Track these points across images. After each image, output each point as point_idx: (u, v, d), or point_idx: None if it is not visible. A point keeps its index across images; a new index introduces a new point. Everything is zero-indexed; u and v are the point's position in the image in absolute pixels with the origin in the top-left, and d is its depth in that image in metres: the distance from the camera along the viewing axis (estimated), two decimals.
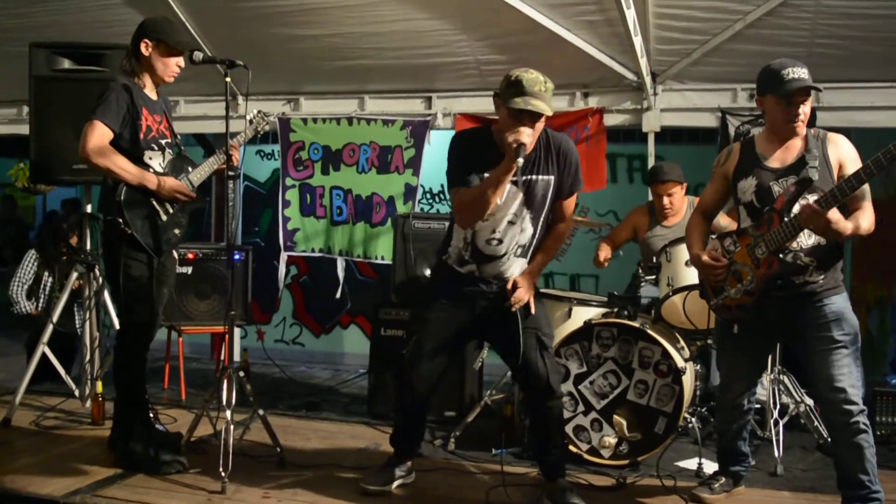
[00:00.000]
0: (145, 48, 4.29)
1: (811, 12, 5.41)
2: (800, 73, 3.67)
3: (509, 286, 3.96)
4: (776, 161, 3.81)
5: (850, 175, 3.45)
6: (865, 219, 3.60)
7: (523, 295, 3.95)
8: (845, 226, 3.51)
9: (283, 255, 7.33)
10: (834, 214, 3.46)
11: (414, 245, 5.86)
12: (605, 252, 5.66)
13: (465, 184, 3.84)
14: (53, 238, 7.09)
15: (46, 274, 7.01)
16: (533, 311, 4.00)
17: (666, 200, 5.51)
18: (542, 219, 4.00)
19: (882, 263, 7.45)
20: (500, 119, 3.81)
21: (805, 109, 3.73)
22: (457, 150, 3.95)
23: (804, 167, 3.67)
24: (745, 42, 5.72)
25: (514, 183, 3.80)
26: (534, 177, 3.91)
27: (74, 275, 5.59)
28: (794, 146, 3.79)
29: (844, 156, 3.72)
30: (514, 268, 4.01)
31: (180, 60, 4.39)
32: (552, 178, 3.95)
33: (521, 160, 3.56)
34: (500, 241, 3.95)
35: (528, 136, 3.62)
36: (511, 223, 3.94)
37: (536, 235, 4.02)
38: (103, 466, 4.37)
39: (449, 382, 5.21)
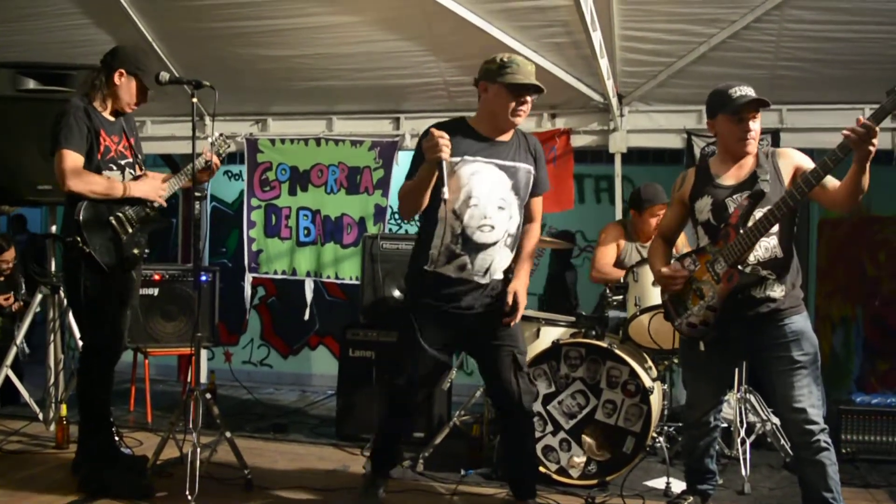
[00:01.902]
0: (118, 77, 4.29)
1: (774, 35, 5.49)
2: (746, 90, 3.75)
3: (509, 299, 3.98)
4: (730, 178, 3.87)
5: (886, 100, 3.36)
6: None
7: (521, 312, 4.02)
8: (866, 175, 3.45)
9: (248, 277, 7.28)
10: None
11: (382, 265, 5.85)
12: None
13: (410, 178, 3.94)
14: None
15: None
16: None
17: (655, 221, 5.58)
18: (523, 209, 4.06)
19: (846, 282, 7.55)
20: (488, 99, 3.92)
21: (755, 126, 3.80)
22: (418, 146, 3.96)
23: (756, 181, 3.73)
24: (709, 64, 5.80)
25: (501, 168, 3.92)
26: (518, 164, 3.99)
27: (38, 297, 5.53)
28: (747, 164, 3.85)
29: (797, 162, 3.79)
30: (502, 259, 4.01)
31: (146, 97, 4.40)
32: (531, 168, 4.04)
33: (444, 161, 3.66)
34: (493, 228, 3.93)
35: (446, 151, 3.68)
36: (501, 208, 3.94)
37: (519, 227, 4.06)
38: (68, 491, 4.32)
39: (418, 404, 5.20)
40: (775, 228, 3.68)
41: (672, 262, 4.10)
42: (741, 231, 3.69)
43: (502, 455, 4.40)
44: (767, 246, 3.73)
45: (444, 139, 3.66)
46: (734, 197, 3.80)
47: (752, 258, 3.73)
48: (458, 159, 3.87)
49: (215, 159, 4.58)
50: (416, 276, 4.06)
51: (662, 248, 4.21)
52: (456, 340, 4.12)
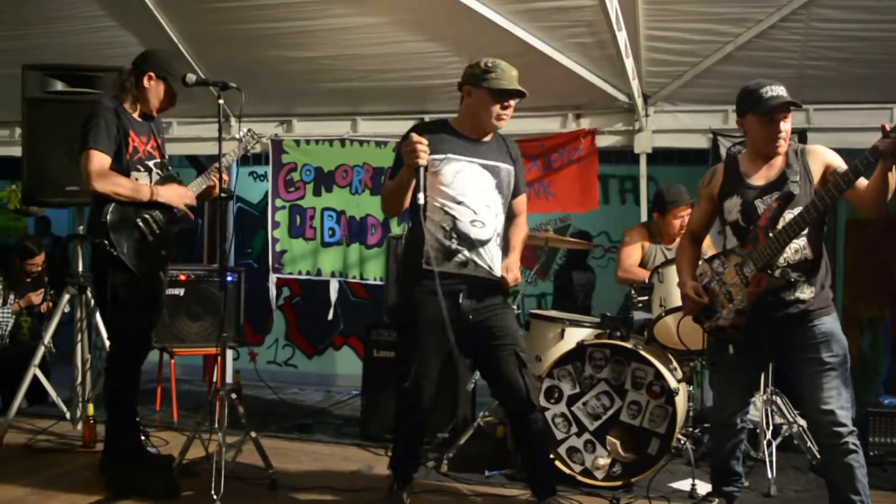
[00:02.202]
0: (147, 80, 4.33)
1: (801, 34, 5.45)
2: (778, 90, 3.70)
3: (503, 270, 4.03)
4: (759, 178, 3.83)
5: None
6: None
7: (514, 276, 4.05)
8: None
9: (272, 277, 7.29)
10: None
11: None
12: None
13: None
14: (20, 258, 7.02)
15: (12, 296, 6.94)
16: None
17: (678, 223, 5.56)
18: (506, 209, 4.11)
19: (874, 283, 7.48)
20: (472, 103, 3.96)
21: (786, 127, 3.75)
22: (400, 145, 3.97)
23: (786, 182, 3.70)
24: (736, 64, 5.76)
25: (484, 167, 3.99)
26: (499, 164, 4.04)
27: (66, 297, 5.59)
28: (776, 163, 3.81)
29: (827, 160, 3.74)
30: (498, 258, 4.04)
31: (174, 101, 4.43)
32: (512, 168, 4.10)
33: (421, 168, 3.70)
34: (484, 224, 3.97)
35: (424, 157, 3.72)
36: (487, 206, 3.98)
37: (502, 225, 4.10)
38: (95, 489, 4.35)
39: (442, 404, 5.19)
40: (805, 231, 3.64)
41: (701, 263, 4.07)
42: (770, 234, 3.66)
43: (520, 454, 4.38)
44: (797, 247, 3.70)
45: (422, 145, 3.69)
46: (764, 198, 3.77)
47: (781, 260, 3.69)
48: (441, 157, 3.92)
49: (214, 181, 4.59)
50: (412, 275, 4.03)
51: (690, 253, 4.17)
52: (456, 339, 4.05)
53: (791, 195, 3.66)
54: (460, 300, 3.97)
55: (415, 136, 3.73)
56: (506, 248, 4.16)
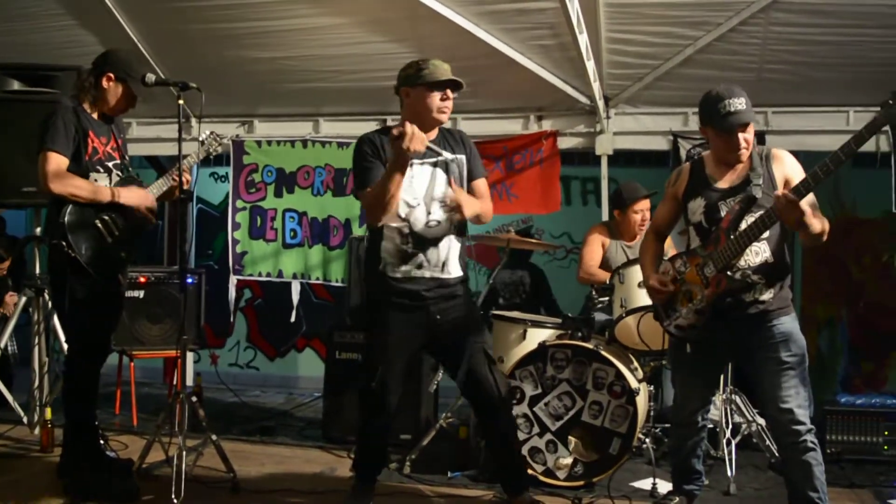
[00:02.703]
0: (107, 81, 4.28)
1: (760, 38, 5.51)
2: (736, 104, 3.69)
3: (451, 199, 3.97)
4: (724, 182, 3.86)
5: (816, 167, 3.41)
6: (825, 222, 3.63)
7: (460, 195, 3.96)
8: (813, 221, 3.51)
9: (233, 279, 7.24)
10: (806, 206, 3.45)
11: None
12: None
13: (370, 184, 3.92)
14: None
15: None
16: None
17: (639, 217, 5.63)
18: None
19: (831, 284, 7.58)
20: (412, 103, 3.98)
21: (747, 137, 3.76)
22: (360, 153, 4.00)
23: (749, 186, 3.74)
24: (696, 67, 5.82)
25: (434, 165, 3.99)
26: (449, 156, 4.05)
27: (23, 299, 5.51)
28: (740, 167, 3.84)
29: (790, 171, 3.78)
30: (454, 250, 4.05)
31: (134, 103, 4.39)
32: (463, 157, 4.10)
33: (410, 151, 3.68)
34: (439, 223, 3.98)
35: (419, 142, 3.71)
36: (443, 203, 3.98)
37: (460, 215, 4.05)
38: (53, 494, 4.29)
39: (404, 406, 5.18)
40: (766, 234, 3.68)
41: (664, 262, 4.11)
42: (731, 236, 3.70)
43: (490, 456, 4.40)
44: (758, 251, 3.74)
45: (411, 129, 3.67)
46: (727, 200, 3.80)
47: (742, 263, 3.73)
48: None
49: (187, 176, 4.55)
50: (374, 277, 4.06)
51: (653, 249, 4.20)
52: (422, 340, 4.10)
53: (753, 199, 3.70)
54: (429, 308, 3.98)
55: (408, 125, 3.68)
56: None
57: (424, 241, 3.96)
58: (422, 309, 3.97)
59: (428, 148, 3.88)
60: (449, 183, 4.00)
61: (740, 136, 3.73)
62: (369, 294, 4.22)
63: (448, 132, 4.17)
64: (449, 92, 3.95)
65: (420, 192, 3.96)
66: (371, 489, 4.25)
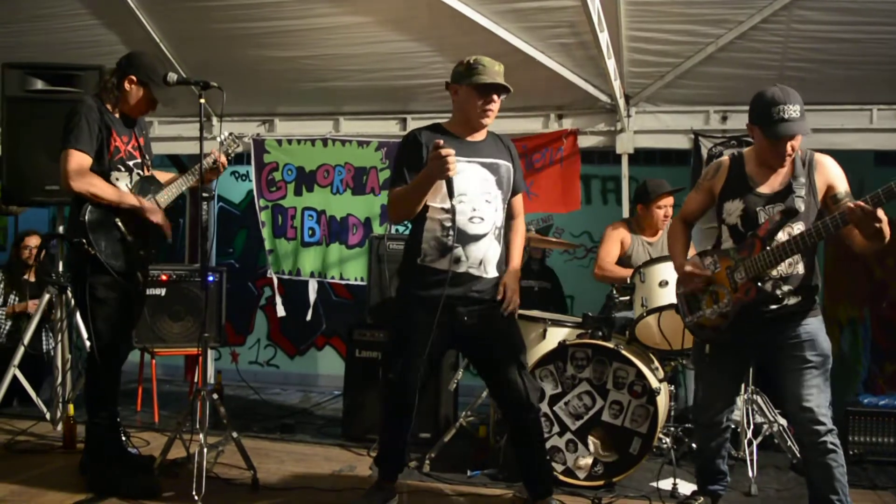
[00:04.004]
0: (129, 84, 4.30)
1: (782, 36, 5.48)
2: (791, 111, 3.61)
3: (500, 292, 4.00)
4: (765, 186, 3.79)
5: (893, 182, 3.30)
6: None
7: (516, 298, 4.02)
8: (887, 229, 3.44)
9: (274, 278, 7.25)
10: (882, 214, 3.37)
11: (389, 266, 5.84)
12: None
13: (404, 182, 3.95)
14: (15, 246, 7.02)
15: (13, 296, 6.91)
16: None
17: (662, 213, 5.62)
18: (506, 204, 4.10)
19: (854, 284, 7.53)
20: (460, 101, 3.99)
21: (794, 144, 3.69)
22: (404, 149, 4.03)
23: (791, 195, 3.68)
24: (717, 65, 5.80)
25: (483, 165, 3.99)
26: (497, 161, 4.05)
27: (46, 297, 5.56)
28: (783, 171, 3.77)
29: (832, 177, 3.72)
30: (494, 252, 4.02)
31: (154, 106, 4.41)
32: (510, 165, 4.10)
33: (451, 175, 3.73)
34: (482, 220, 3.96)
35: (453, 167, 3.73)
36: (487, 202, 3.98)
37: (504, 221, 4.10)
38: (75, 490, 4.31)
39: (424, 404, 5.18)
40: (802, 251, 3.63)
41: (693, 257, 4.07)
42: (767, 247, 3.66)
43: (514, 457, 4.38)
44: (791, 261, 3.69)
45: (452, 156, 3.70)
46: (767, 207, 3.75)
47: (774, 273, 3.70)
48: None
49: (223, 158, 4.59)
50: (410, 270, 4.06)
51: (684, 236, 4.16)
52: (452, 339, 4.10)
53: (795, 211, 3.65)
54: (457, 308, 3.96)
55: (443, 150, 3.69)
56: (506, 257, 4.14)
57: (466, 235, 3.94)
58: (449, 309, 3.93)
59: (478, 149, 3.94)
60: (498, 185, 4.02)
61: (788, 144, 3.67)
62: (400, 286, 4.22)
63: (498, 138, 4.17)
64: (495, 96, 3.94)
65: (467, 188, 3.92)
66: (392, 485, 4.25)
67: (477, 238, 3.97)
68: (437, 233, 3.95)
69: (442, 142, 3.73)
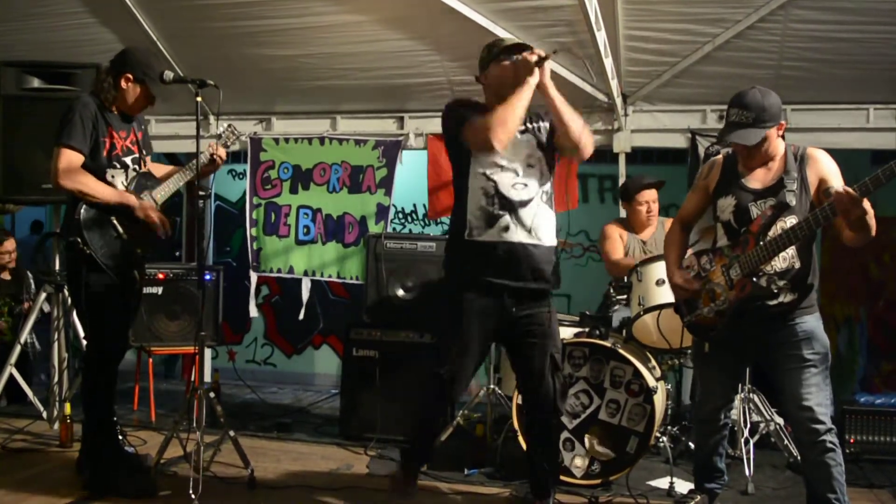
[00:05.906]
0: (125, 82, 4.28)
1: (779, 35, 5.49)
2: (732, 115, 3.70)
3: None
4: (756, 182, 3.80)
5: (879, 171, 3.32)
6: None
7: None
8: (874, 221, 3.45)
9: (253, 276, 7.26)
10: (867, 205, 3.38)
11: (386, 265, 5.84)
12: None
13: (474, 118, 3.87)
14: None
15: None
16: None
17: (644, 208, 5.62)
18: (550, 166, 4.03)
19: (851, 282, 7.54)
20: (492, 82, 3.98)
21: (750, 148, 3.72)
22: (457, 108, 4.02)
23: (782, 189, 3.69)
24: (714, 64, 5.80)
25: (522, 132, 3.95)
26: (533, 124, 4.03)
27: (43, 295, 5.55)
28: (774, 166, 3.79)
29: (825, 171, 3.72)
30: (545, 219, 3.96)
31: (153, 102, 4.40)
32: (546, 123, 4.07)
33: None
34: (526, 185, 3.90)
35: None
36: (531, 166, 3.94)
37: (552, 186, 4.04)
38: (72, 489, 4.32)
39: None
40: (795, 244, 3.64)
41: (688, 255, 4.08)
42: (761, 242, 3.67)
43: (522, 453, 4.36)
44: (786, 256, 3.69)
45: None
46: (758, 202, 3.75)
47: (769, 268, 3.70)
48: None
49: (221, 151, 4.58)
50: (457, 247, 4.00)
51: (679, 241, 4.15)
52: (496, 330, 4.03)
53: (786, 205, 3.66)
54: (504, 297, 3.91)
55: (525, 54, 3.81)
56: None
57: (510, 202, 3.87)
58: (499, 298, 3.89)
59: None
60: (540, 147, 3.99)
61: (741, 147, 3.72)
62: (449, 275, 4.13)
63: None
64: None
65: (508, 155, 3.86)
66: (416, 482, 4.26)
67: (523, 203, 3.89)
68: (481, 201, 3.88)
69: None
